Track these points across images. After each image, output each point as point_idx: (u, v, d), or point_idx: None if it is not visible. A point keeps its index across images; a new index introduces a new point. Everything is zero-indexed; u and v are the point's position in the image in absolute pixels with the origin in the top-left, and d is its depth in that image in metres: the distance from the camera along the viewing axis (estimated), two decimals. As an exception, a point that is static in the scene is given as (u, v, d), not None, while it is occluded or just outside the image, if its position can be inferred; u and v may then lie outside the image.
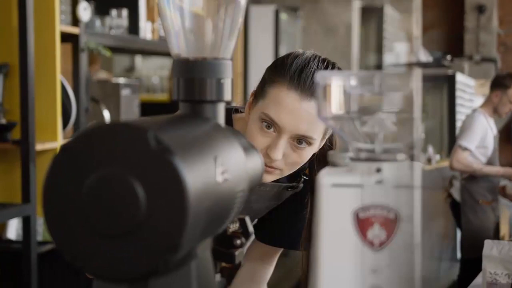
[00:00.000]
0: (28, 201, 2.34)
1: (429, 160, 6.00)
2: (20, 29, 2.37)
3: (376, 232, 0.68)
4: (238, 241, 0.85)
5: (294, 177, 1.40)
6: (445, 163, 6.70)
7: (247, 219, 0.89)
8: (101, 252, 0.62)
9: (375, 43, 7.30)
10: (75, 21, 2.68)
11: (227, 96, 0.83)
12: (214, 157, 0.69)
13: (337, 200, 0.69)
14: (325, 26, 5.47)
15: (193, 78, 0.81)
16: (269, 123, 1.25)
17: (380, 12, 7.08)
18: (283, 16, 5.03)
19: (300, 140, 1.25)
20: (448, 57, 6.39)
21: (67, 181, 0.63)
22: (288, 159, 1.27)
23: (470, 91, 7.44)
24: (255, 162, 0.85)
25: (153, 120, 0.69)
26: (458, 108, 7.00)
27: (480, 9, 9.27)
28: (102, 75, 3.86)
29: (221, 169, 0.70)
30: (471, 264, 4.16)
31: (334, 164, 0.77)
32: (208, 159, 0.68)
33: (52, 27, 2.48)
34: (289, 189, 1.41)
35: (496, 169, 4.29)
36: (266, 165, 1.25)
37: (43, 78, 2.48)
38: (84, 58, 2.68)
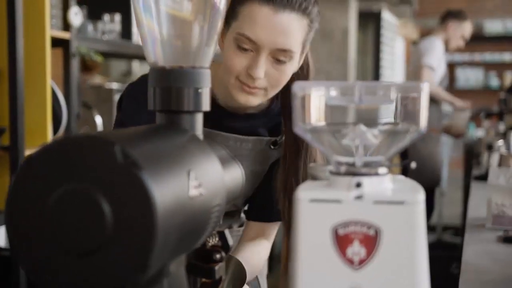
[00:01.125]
0: (17, 207, 2.30)
1: None
2: (9, 33, 2.34)
3: (355, 249, 0.66)
4: (218, 255, 0.82)
5: (275, 133, 1.38)
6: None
7: (227, 232, 0.86)
8: (65, 269, 0.59)
9: (372, 47, 7.30)
10: (67, 26, 2.65)
11: (205, 106, 0.81)
12: (188, 171, 0.66)
13: (315, 216, 0.67)
14: (322, 31, 5.45)
15: (170, 87, 0.78)
16: (246, 43, 1.21)
17: (378, 17, 7.08)
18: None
19: (279, 56, 1.22)
20: None
21: (32, 195, 0.60)
22: (270, 77, 1.24)
23: (393, 30, 7.56)
24: (234, 174, 0.83)
25: (124, 133, 0.66)
26: (382, 47, 7.10)
27: None
28: (97, 80, 3.83)
29: (195, 183, 0.67)
30: None
31: (314, 178, 0.75)
32: (181, 173, 0.65)
33: (42, 32, 2.45)
34: (272, 146, 1.37)
35: (449, 96, 4.57)
36: (249, 86, 1.23)
37: (33, 83, 2.45)
38: (75, 63, 2.66)
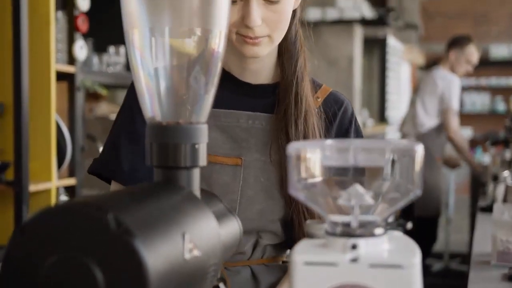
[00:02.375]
0: (21, 242, 2.30)
1: (363, 125, 6.07)
2: (15, 67, 2.36)
3: (351, 313, 0.65)
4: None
5: None
6: (380, 128, 6.74)
7: (222, 286, 0.85)
8: (58, 338, 0.59)
9: (378, 73, 7.31)
10: (72, 60, 2.67)
11: (202, 161, 0.80)
12: (182, 234, 0.66)
13: (311, 279, 0.66)
14: (327, 58, 5.46)
15: (167, 143, 0.78)
16: None
17: (383, 43, 7.10)
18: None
19: None
20: (393, 14, 6.37)
21: (26, 263, 0.60)
22: (269, 21, 1.16)
23: (399, 55, 7.59)
24: (231, 229, 0.82)
25: (117, 196, 0.66)
26: (387, 72, 7.12)
27: None
28: (104, 107, 3.84)
29: (190, 246, 0.67)
30: (422, 222, 4.20)
31: (310, 236, 0.74)
32: (175, 236, 0.65)
33: (47, 66, 2.47)
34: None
35: (469, 154, 4.58)
36: (250, 37, 1.16)
37: (38, 118, 2.46)
38: (80, 96, 2.67)
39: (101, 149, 2.95)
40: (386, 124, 7.25)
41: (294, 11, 1.25)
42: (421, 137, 4.33)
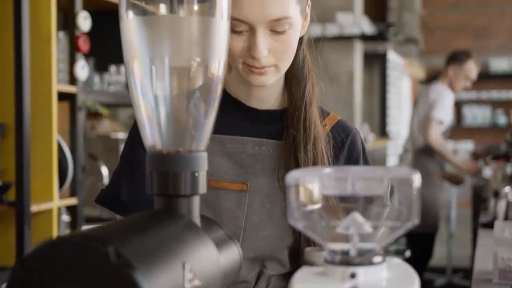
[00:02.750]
0: (23, 262, 2.30)
1: (365, 140, 6.03)
2: (16, 88, 2.37)
3: None
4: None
5: None
6: (381, 143, 6.75)
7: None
8: None
9: (378, 87, 7.34)
10: (73, 80, 2.68)
11: (202, 189, 0.81)
12: (182, 263, 0.67)
13: (310, 308, 0.66)
14: (328, 74, 5.48)
15: (167, 171, 0.79)
16: (237, 25, 1.12)
17: (383, 57, 7.13)
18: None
19: (277, 27, 1.12)
20: (392, 29, 6.36)
21: (27, 295, 0.61)
22: (275, 52, 1.14)
23: (399, 70, 7.60)
24: (231, 256, 0.83)
25: (117, 227, 0.67)
26: (388, 87, 7.12)
27: None
28: (106, 124, 3.86)
29: (190, 275, 0.67)
30: (419, 239, 4.17)
31: (310, 263, 0.75)
32: (176, 267, 0.65)
33: (49, 87, 2.48)
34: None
35: (461, 162, 4.53)
36: (256, 67, 1.15)
37: (39, 138, 2.47)
38: (81, 116, 2.68)
39: (102, 167, 2.95)
40: (387, 139, 7.26)
41: (301, 38, 1.24)
42: (418, 153, 4.33)
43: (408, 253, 0.70)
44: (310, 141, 1.21)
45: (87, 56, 2.80)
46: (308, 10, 1.23)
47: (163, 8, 0.98)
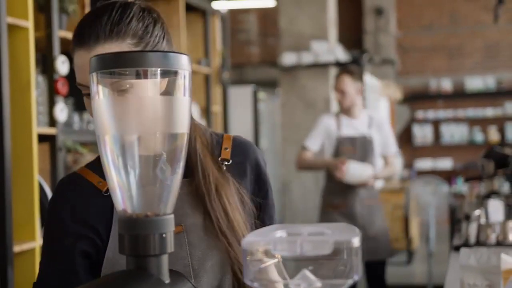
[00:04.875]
0: (6, 304, 2.37)
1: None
2: (-3, 132, 2.44)
3: None
4: None
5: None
6: None
7: None
8: None
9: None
10: (52, 121, 2.76)
11: (170, 247, 0.89)
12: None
13: None
14: (305, 101, 5.59)
15: (137, 234, 0.87)
16: (84, 89, 1.20)
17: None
18: (261, 94, 5.15)
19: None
20: (366, 56, 6.45)
21: None
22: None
23: (377, 91, 7.74)
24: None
25: (92, 286, 0.75)
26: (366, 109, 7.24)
27: (378, 12, 9.59)
28: (88, 159, 3.91)
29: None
30: (371, 266, 4.18)
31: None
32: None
33: (29, 129, 2.56)
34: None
35: (327, 160, 4.12)
36: None
37: (20, 179, 2.54)
38: (61, 157, 2.75)
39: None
40: (366, 160, 7.36)
41: None
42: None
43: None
44: (212, 191, 1.26)
45: (66, 97, 2.88)
46: None
47: (130, 86, 1.08)
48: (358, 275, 0.77)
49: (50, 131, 2.73)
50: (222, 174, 1.29)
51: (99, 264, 1.25)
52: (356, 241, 0.76)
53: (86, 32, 1.19)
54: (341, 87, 4.04)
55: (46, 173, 2.75)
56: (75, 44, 1.21)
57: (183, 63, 0.90)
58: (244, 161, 1.34)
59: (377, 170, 4.09)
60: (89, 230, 1.25)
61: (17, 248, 2.46)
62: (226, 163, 1.31)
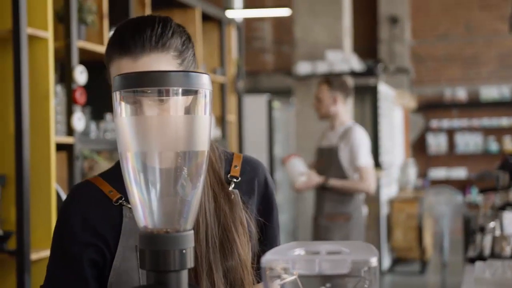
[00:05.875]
0: (23, 312, 2.39)
1: None
2: (16, 141, 2.47)
3: None
4: None
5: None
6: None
7: None
8: None
9: (370, 119, 7.46)
10: (70, 130, 2.79)
11: (190, 263, 0.91)
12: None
13: None
14: (319, 110, 5.58)
15: (158, 250, 0.89)
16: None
17: (374, 90, 7.27)
18: (276, 104, 5.16)
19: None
20: (380, 65, 6.44)
21: None
22: None
23: (391, 101, 7.72)
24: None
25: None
26: (380, 118, 7.24)
27: (393, 20, 9.55)
28: (103, 165, 3.94)
29: None
30: None
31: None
32: None
33: (47, 138, 2.59)
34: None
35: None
36: None
37: (38, 188, 2.57)
38: (78, 165, 2.79)
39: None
40: (380, 170, 7.36)
41: None
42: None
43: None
44: (210, 208, 1.28)
45: (83, 106, 2.91)
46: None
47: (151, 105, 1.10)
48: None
49: (68, 140, 2.76)
50: (226, 192, 1.30)
51: (106, 273, 1.27)
52: (374, 261, 0.77)
53: (131, 41, 1.22)
54: (317, 94, 4.08)
55: (63, 182, 2.78)
56: (118, 53, 1.23)
57: (204, 82, 0.92)
58: (252, 180, 1.36)
59: (333, 181, 3.93)
60: (97, 239, 1.26)
61: (34, 256, 2.49)
62: (235, 180, 1.33)
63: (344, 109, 4.09)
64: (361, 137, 4.06)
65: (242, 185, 1.34)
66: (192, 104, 0.91)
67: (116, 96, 0.90)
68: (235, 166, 1.36)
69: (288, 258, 0.80)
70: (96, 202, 1.29)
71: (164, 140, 0.90)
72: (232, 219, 1.28)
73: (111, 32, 3.15)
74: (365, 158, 4.01)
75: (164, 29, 1.24)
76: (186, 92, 0.90)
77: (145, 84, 0.89)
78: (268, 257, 0.80)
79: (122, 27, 1.26)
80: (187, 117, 0.91)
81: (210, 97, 0.94)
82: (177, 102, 0.89)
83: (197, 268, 1.24)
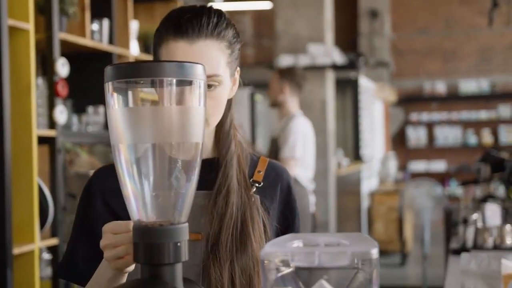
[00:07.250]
0: (5, 308, 2.36)
1: (339, 165, 6.03)
2: (-3, 134, 2.44)
3: None
4: None
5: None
6: (355, 167, 6.86)
7: None
8: None
9: (351, 112, 7.49)
10: (52, 123, 2.75)
11: (184, 256, 0.90)
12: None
13: None
14: (301, 103, 5.58)
15: (152, 243, 0.88)
16: None
17: (355, 83, 7.29)
18: (258, 97, 5.15)
19: (208, 82, 1.17)
20: (362, 59, 6.46)
21: None
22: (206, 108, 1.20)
23: (371, 94, 7.76)
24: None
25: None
26: (360, 112, 7.29)
27: (373, 14, 9.61)
28: (84, 159, 3.90)
29: None
30: None
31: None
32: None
33: (29, 131, 2.55)
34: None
35: None
36: None
37: (20, 182, 2.53)
38: (60, 158, 2.75)
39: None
40: (361, 163, 7.38)
41: (230, 100, 1.32)
42: None
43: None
44: (221, 194, 1.27)
45: (65, 99, 2.87)
46: (237, 75, 1.32)
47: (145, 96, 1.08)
48: (377, 286, 0.78)
49: (50, 133, 2.72)
50: (248, 196, 1.29)
51: None
52: (374, 253, 0.77)
53: (188, 25, 1.21)
54: (269, 82, 4.15)
55: (45, 175, 2.74)
56: (173, 34, 1.22)
57: (198, 73, 0.90)
58: (275, 186, 1.36)
59: None
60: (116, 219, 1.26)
61: (16, 250, 2.45)
62: (257, 185, 1.32)
63: (292, 100, 4.10)
64: (296, 128, 4.02)
65: (265, 190, 1.34)
66: (186, 95, 0.89)
67: (108, 87, 0.88)
68: (259, 171, 1.36)
69: (287, 250, 0.79)
70: (117, 183, 1.28)
71: (157, 132, 0.88)
72: (251, 218, 1.27)
73: (95, 24, 3.08)
74: (289, 150, 3.95)
75: (219, 19, 1.25)
76: (180, 83, 0.89)
77: (138, 74, 0.88)
78: (267, 250, 0.79)
79: (177, 11, 1.26)
80: (181, 108, 0.89)
81: (204, 88, 0.92)
82: (171, 92, 0.88)
83: (211, 263, 1.23)
